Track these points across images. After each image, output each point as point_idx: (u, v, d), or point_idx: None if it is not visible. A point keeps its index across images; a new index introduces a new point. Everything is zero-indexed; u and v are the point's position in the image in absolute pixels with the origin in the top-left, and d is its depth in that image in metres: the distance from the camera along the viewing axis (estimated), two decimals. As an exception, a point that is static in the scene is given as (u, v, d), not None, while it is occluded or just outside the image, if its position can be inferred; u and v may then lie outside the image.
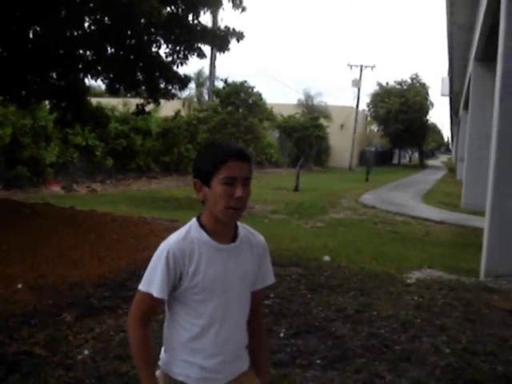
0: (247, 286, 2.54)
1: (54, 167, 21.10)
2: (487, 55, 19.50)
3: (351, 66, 59.49)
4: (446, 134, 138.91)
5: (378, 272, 9.07)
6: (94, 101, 14.88)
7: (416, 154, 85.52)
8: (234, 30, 11.62)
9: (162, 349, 2.52)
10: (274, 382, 4.75)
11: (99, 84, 15.32)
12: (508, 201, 9.38)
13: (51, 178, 20.75)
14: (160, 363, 2.50)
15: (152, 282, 2.34)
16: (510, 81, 9.46)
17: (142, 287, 2.38)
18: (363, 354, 5.54)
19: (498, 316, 7.11)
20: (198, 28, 11.37)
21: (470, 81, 25.57)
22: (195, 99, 41.86)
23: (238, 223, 2.52)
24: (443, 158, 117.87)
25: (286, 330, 6.07)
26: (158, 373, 2.49)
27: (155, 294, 2.33)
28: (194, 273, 2.35)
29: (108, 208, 14.44)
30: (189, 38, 11.27)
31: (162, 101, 13.79)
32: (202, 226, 2.41)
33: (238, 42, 11.66)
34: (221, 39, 11.57)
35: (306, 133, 29.00)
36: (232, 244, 2.45)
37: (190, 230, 2.41)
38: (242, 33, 11.64)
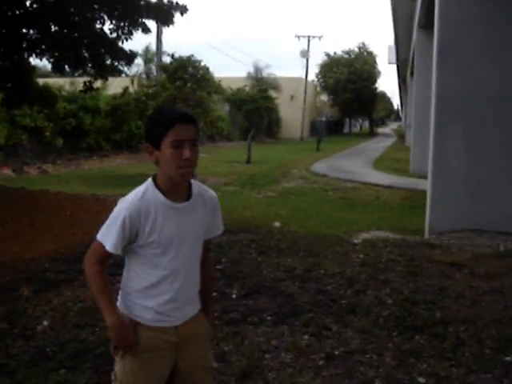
0: (200, 240, 2.72)
1: (3, 150, 20.85)
2: (429, 22, 19.83)
3: (299, 37, 59.69)
4: (396, 101, 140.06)
5: (327, 234, 9.41)
6: (40, 81, 14.76)
7: (366, 123, 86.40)
8: (177, 3, 11.69)
9: (120, 292, 2.71)
10: (227, 339, 5.00)
11: (45, 64, 15.24)
12: (447, 160, 9.75)
13: (1, 162, 20.49)
14: (118, 304, 2.67)
15: (107, 238, 2.51)
16: (446, 48, 9.80)
17: (99, 237, 2.55)
18: (311, 309, 5.85)
19: (439, 268, 7.51)
20: (142, 3, 11.42)
21: (414, 48, 25.97)
22: (144, 76, 41.56)
23: (192, 181, 2.67)
24: (393, 125, 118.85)
25: (237, 291, 6.33)
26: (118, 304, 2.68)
27: (108, 248, 2.51)
28: (150, 231, 2.52)
29: (60, 188, 14.40)
30: (132, 13, 11.30)
31: (111, 78, 13.78)
32: (157, 186, 2.56)
33: (182, 15, 11.73)
34: (164, 13, 11.62)
35: (255, 105, 29.15)
36: (186, 202, 2.61)
37: (146, 191, 2.55)
38: (185, 6, 11.70)
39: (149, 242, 2.54)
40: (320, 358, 4.71)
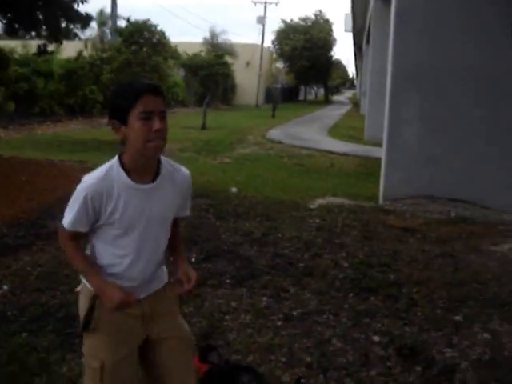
0: (167, 220, 2.63)
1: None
2: (385, -10, 19.92)
3: (255, 3, 59.32)
4: (351, 69, 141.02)
5: (283, 200, 9.54)
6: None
7: (321, 90, 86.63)
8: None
9: None
10: (187, 301, 5.08)
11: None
12: (402, 128, 9.92)
13: (-49, 126, 20.07)
14: (82, 278, 2.66)
15: (67, 218, 2.47)
16: (403, 15, 9.89)
17: (63, 222, 2.50)
18: (269, 271, 5.98)
19: (393, 233, 7.72)
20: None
21: (371, 16, 26.09)
22: (98, 39, 40.84)
23: (163, 159, 2.57)
24: (348, 93, 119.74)
25: (196, 255, 6.42)
26: (80, 287, 2.67)
27: (66, 226, 2.48)
28: (112, 212, 2.44)
29: (13, 153, 14.14)
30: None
31: (64, 42, 13.57)
32: (122, 165, 2.45)
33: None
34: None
35: (211, 71, 28.84)
36: (151, 184, 2.50)
37: (110, 170, 2.45)
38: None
39: (110, 223, 2.47)
40: (278, 319, 4.85)
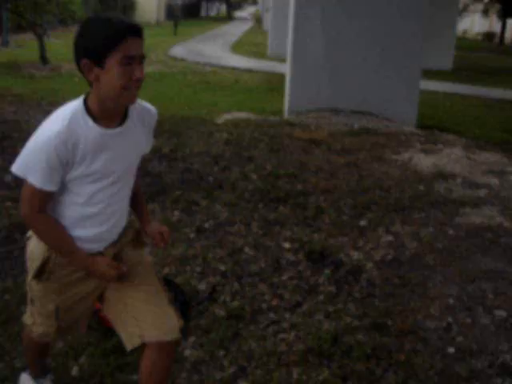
0: (135, 165, 2.46)
1: None
2: None
3: None
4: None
5: (190, 116, 9.51)
6: None
7: (224, 7, 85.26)
8: None
9: None
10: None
11: None
12: (306, 43, 9.95)
13: None
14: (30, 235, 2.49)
15: (34, 176, 2.16)
16: None
17: (29, 180, 2.18)
18: (180, 186, 6.03)
19: (299, 145, 7.90)
20: None
21: None
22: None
23: None
24: (251, 9, 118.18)
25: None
26: (30, 233, 2.48)
27: (34, 183, 2.17)
28: (79, 162, 2.19)
29: None
30: None
31: None
32: (88, 109, 2.19)
33: None
34: None
35: (110, -14, 27.85)
36: (120, 127, 2.27)
37: (74, 116, 2.16)
38: None
39: (76, 174, 2.21)
40: (191, 231, 4.94)
